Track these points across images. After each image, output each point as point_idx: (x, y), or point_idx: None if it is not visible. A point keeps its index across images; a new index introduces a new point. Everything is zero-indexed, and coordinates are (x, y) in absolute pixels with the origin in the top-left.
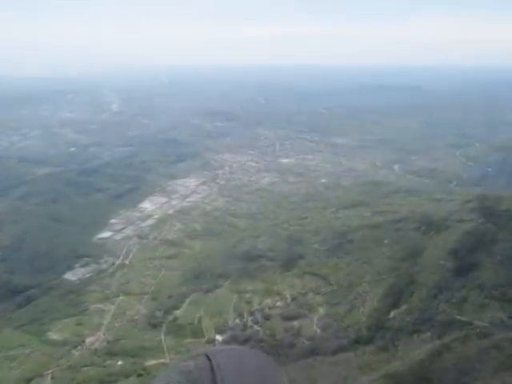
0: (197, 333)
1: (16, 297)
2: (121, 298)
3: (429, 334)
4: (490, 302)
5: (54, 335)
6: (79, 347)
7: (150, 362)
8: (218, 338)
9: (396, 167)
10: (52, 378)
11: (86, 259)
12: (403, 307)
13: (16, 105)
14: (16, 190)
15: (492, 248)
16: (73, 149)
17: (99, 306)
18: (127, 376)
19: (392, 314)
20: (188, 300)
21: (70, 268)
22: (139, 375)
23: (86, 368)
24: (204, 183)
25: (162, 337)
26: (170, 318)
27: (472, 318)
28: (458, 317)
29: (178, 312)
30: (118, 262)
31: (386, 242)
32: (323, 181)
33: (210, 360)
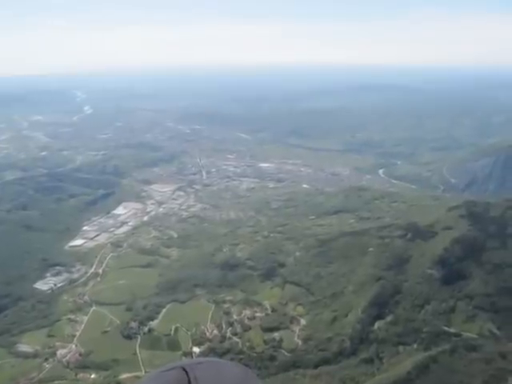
0: (173, 345)
1: None
2: (94, 308)
3: (415, 346)
4: (479, 312)
5: (23, 347)
6: (50, 359)
7: (124, 376)
8: (196, 350)
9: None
10: None
11: (58, 268)
12: (388, 318)
13: None
14: None
15: (481, 256)
16: (44, 153)
17: (71, 316)
18: None
19: (377, 325)
20: (164, 310)
21: (40, 277)
22: None
23: (57, 382)
24: (180, 189)
25: (137, 349)
26: (145, 329)
27: (460, 330)
28: (446, 328)
29: (153, 323)
30: (91, 271)
31: (370, 249)
32: (305, 186)
33: (186, 373)
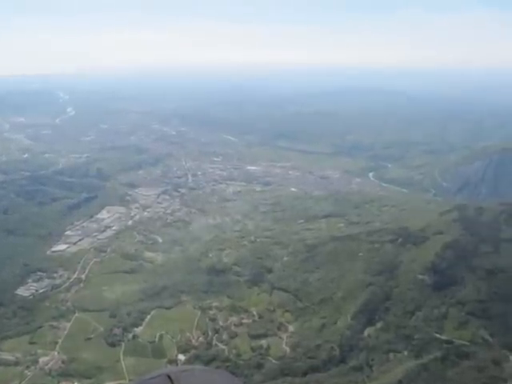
0: (158, 352)
1: None
2: (77, 314)
3: (406, 354)
4: (471, 319)
5: (5, 354)
6: (32, 367)
7: None
8: (181, 357)
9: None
10: None
11: (40, 274)
12: (378, 325)
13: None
14: None
15: (473, 262)
16: (26, 155)
17: (54, 323)
18: None
19: (367, 332)
20: (149, 317)
21: (22, 283)
22: None
23: None
24: (165, 192)
25: (121, 356)
26: (130, 336)
27: (452, 337)
28: (437, 335)
29: (137, 330)
30: (73, 277)
31: (360, 254)
32: (293, 189)
33: (171, 381)
